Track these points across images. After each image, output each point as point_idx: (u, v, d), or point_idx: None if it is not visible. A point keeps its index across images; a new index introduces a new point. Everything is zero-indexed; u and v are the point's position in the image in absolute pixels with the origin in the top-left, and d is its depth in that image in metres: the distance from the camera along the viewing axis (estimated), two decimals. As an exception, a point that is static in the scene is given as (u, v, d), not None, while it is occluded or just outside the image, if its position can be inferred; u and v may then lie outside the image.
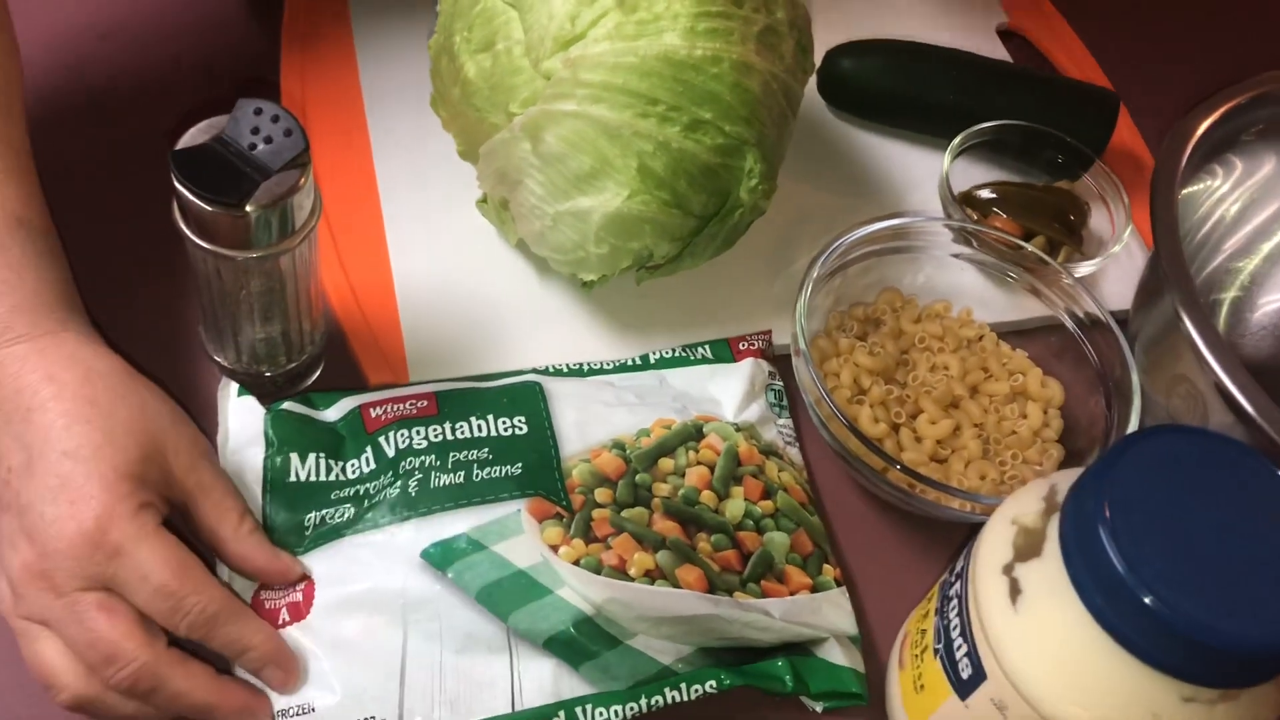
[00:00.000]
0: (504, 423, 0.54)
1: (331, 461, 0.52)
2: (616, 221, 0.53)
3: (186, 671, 0.45)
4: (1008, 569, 0.42)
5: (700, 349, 0.60)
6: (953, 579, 0.46)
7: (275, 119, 0.48)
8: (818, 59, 0.70)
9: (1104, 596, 0.39)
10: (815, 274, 0.58)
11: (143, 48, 0.69)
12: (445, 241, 0.62)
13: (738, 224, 0.56)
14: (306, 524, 0.50)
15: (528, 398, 0.55)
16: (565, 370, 0.58)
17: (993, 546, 0.44)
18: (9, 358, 0.46)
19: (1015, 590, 0.42)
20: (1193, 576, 0.38)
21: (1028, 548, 0.42)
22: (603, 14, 0.51)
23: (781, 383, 0.60)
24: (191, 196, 0.46)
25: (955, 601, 0.45)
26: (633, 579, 0.50)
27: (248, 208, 0.47)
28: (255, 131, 0.48)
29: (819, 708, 0.51)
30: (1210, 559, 0.38)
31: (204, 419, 0.54)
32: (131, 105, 0.66)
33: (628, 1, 0.51)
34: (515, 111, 0.54)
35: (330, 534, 0.50)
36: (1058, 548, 0.41)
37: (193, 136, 0.48)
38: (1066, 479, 0.44)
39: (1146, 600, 0.37)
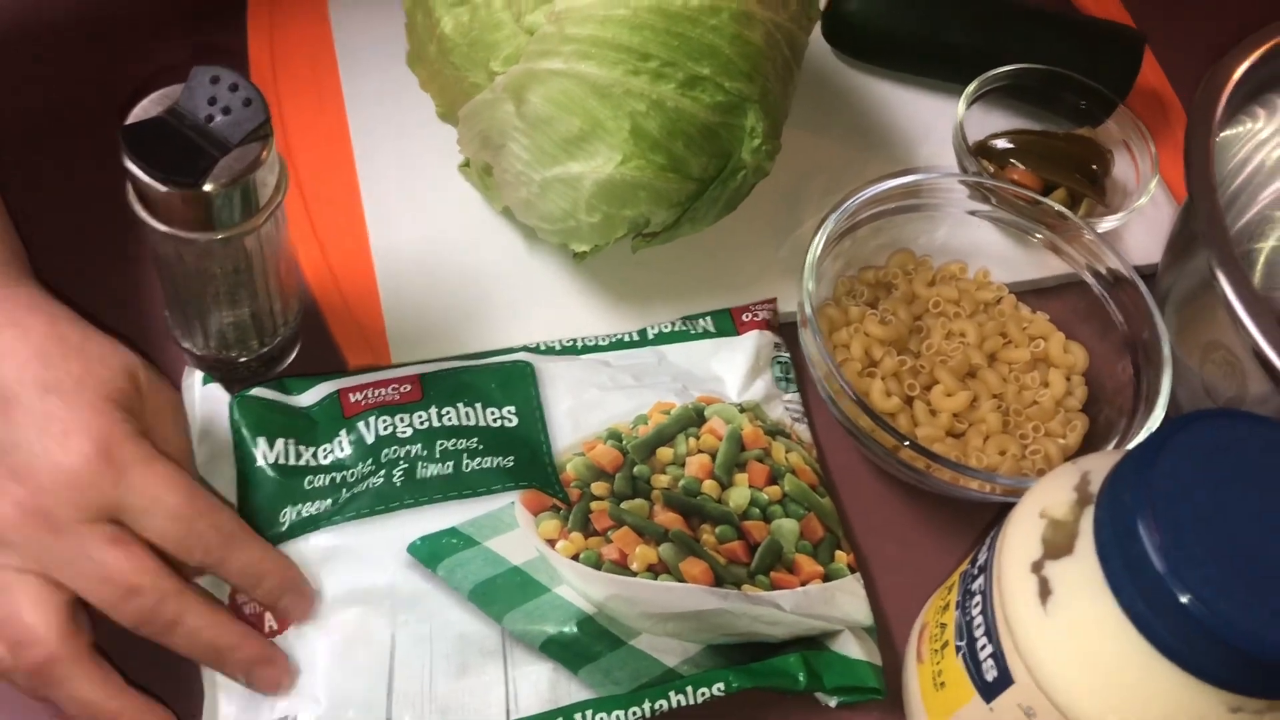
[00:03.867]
0: (493, 413, 0.50)
1: (302, 447, 0.49)
2: (609, 188, 0.50)
3: (209, 605, 0.43)
4: (1036, 566, 0.39)
5: (701, 321, 0.56)
6: (975, 571, 0.43)
7: (234, 88, 0.44)
8: (823, 1, 0.66)
9: (1143, 599, 0.36)
10: (822, 238, 0.54)
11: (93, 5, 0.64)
12: (427, 210, 0.58)
13: (740, 187, 0.52)
14: (282, 519, 0.47)
15: (518, 382, 0.52)
16: (558, 348, 0.55)
17: (1020, 541, 0.40)
18: None
19: (1045, 590, 0.39)
20: (1241, 578, 0.35)
21: (1059, 543, 0.39)
22: None
23: (789, 354, 0.56)
24: (144, 176, 0.42)
25: (979, 598, 0.42)
26: (635, 574, 0.47)
27: (206, 186, 0.43)
28: (212, 102, 0.44)
29: (833, 703, 0.48)
30: (1261, 559, 0.35)
31: (174, 408, 0.51)
32: (81, 69, 0.62)
33: None
34: (497, 70, 0.50)
35: (307, 526, 0.47)
36: (1092, 544, 0.38)
37: (145, 109, 0.44)
38: (1100, 465, 0.40)
39: (1189, 604, 0.34)
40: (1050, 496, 0.41)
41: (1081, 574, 0.38)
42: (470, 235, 0.58)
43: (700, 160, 0.50)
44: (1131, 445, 0.50)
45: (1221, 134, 0.57)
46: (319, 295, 0.55)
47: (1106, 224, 0.60)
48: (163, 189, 0.43)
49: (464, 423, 0.50)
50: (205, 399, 0.50)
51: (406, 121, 0.60)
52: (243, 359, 0.52)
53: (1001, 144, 0.63)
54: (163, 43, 0.63)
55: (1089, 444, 0.54)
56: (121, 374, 0.43)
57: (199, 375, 0.51)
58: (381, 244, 0.57)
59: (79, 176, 0.58)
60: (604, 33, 0.47)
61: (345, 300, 0.55)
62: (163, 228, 0.44)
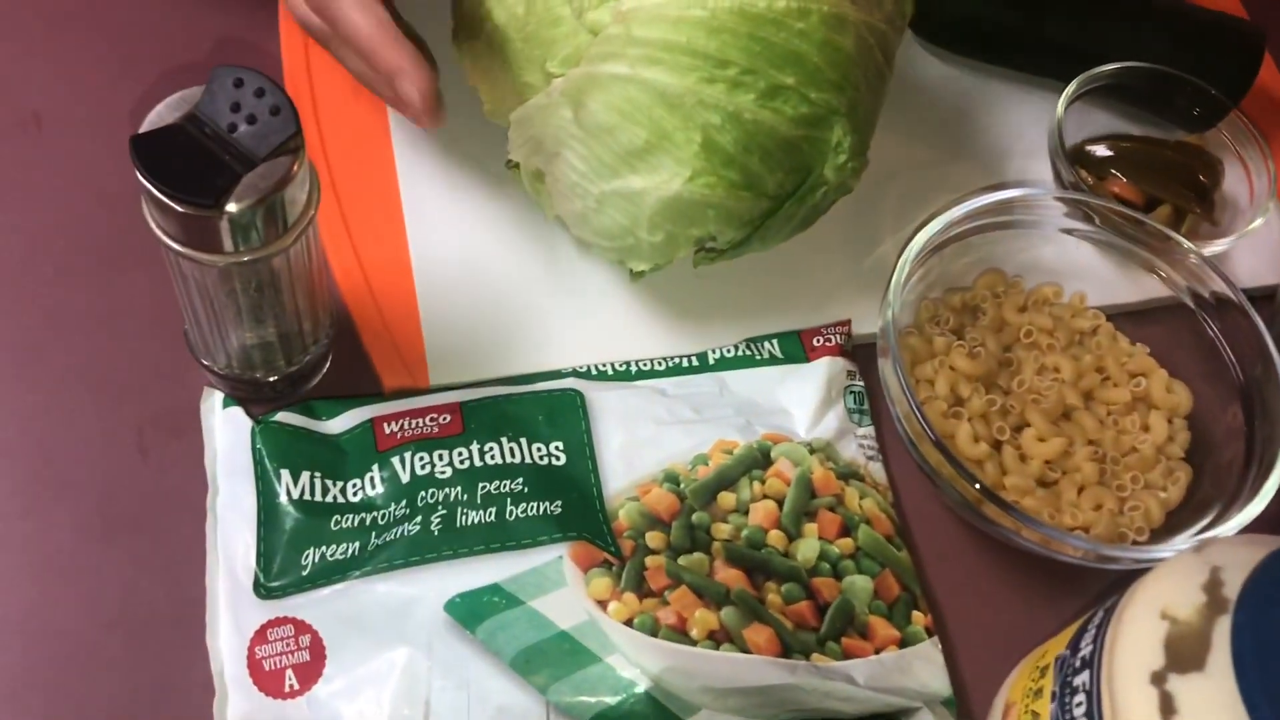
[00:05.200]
0: (539, 450, 0.46)
1: (329, 481, 0.45)
2: (675, 206, 0.44)
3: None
4: (1158, 678, 0.35)
5: (767, 345, 0.51)
6: (1077, 663, 0.39)
7: (260, 93, 0.39)
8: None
9: (1290, 732, 0.31)
10: (908, 260, 0.49)
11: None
12: (472, 215, 0.53)
13: (819, 204, 0.47)
14: (305, 561, 0.43)
15: (567, 414, 0.47)
16: (610, 372, 0.50)
17: (1136, 643, 0.36)
18: None
19: (1169, 708, 0.34)
20: None
21: (1185, 653, 0.34)
22: None
23: (862, 383, 0.51)
24: (158, 193, 0.38)
25: (1082, 697, 0.38)
26: (695, 642, 0.42)
27: (229, 207, 0.38)
28: (236, 109, 0.39)
29: (906, 782, 0.44)
30: None
31: (192, 432, 0.47)
32: (96, 56, 0.57)
33: None
34: (554, 71, 0.44)
35: (332, 572, 0.43)
36: (1229, 660, 0.33)
37: (160, 114, 0.39)
38: (1233, 560, 0.36)
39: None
40: (1174, 594, 0.36)
41: (1215, 694, 0.33)
42: (518, 244, 0.53)
43: (777, 176, 0.45)
44: (1250, 513, 0.46)
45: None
46: (353, 307, 0.51)
47: (1215, 247, 0.54)
48: (178, 209, 0.38)
49: (508, 460, 0.46)
50: (226, 423, 0.46)
51: (452, 117, 0.53)
52: (268, 379, 0.48)
53: (1100, 151, 0.57)
54: (188, 31, 0.57)
55: (1191, 498, 0.49)
56: None
57: (219, 397, 0.47)
58: (422, 251, 0.52)
59: (89, 174, 0.53)
60: (677, 36, 0.41)
61: (381, 313, 0.50)
62: (179, 247, 0.40)
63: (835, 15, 0.42)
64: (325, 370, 0.50)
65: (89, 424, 0.48)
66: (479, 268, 0.52)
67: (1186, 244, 0.52)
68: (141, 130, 0.38)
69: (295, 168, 0.39)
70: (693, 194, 0.44)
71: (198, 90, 0.39)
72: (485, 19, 0.46)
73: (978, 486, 0.44)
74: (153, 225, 0.40)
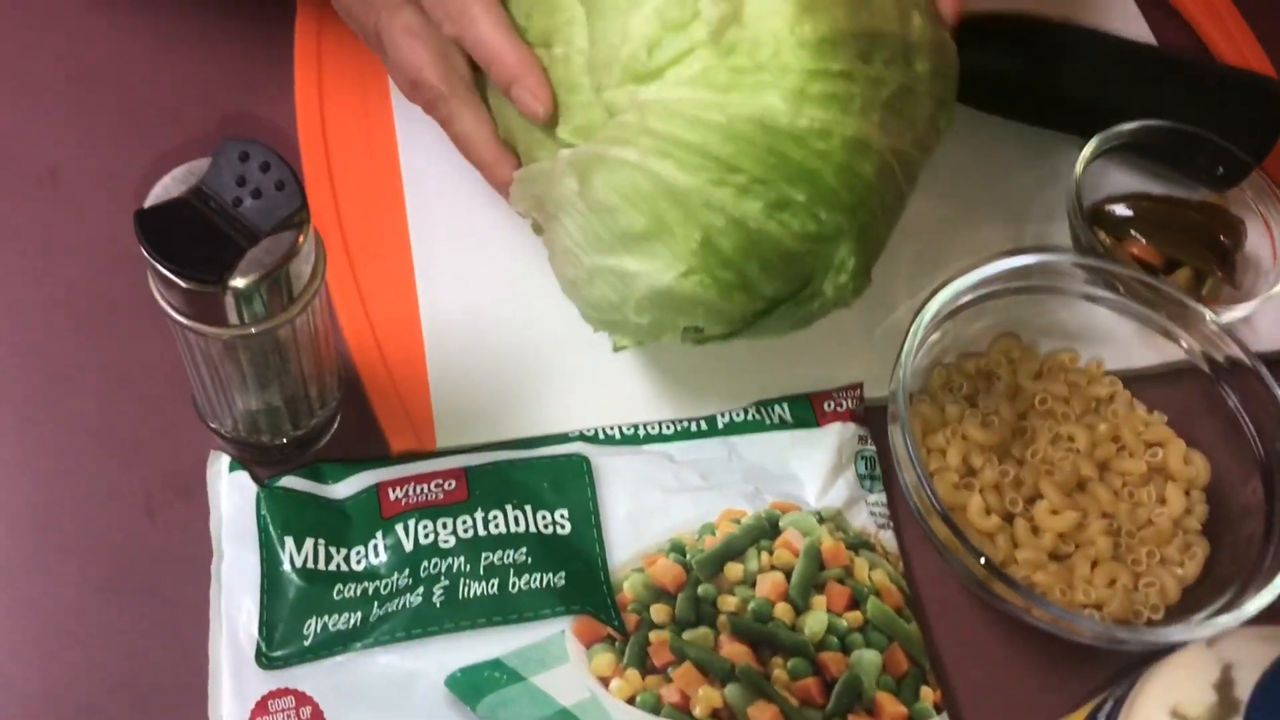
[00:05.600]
0: (544, 518, 0.46)
1: (333, 549, 0.45)
2: (665, 296, 0.43)
3: (476, 116, 0.48)
4: (1169, 780, 0.34)
5: (777, 409, 0.51)
6: (1087, 755, 0.38)
7: (265, 166, 0.39)
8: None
9: None
10: (920, 328, 0.48)
11: (120, 59, 0.58)
12: (482, 274, 0.53)
13: (814, 312, 0.46)
14: (307, 631, 0.43)
15: (572, 479, 0.47)
16: (618, 437, 0.49)
17: (1148, 743, 0.35)
18: None
19: (1179, 812, 0.33)
20: None
21: (1197, 755, 0.34)
22: (689, 50, 0.40)
23: (874, 448, 0.51)
24: (162, 269, 0.38)
25: (1092, 792, 0.37)
26: (697, 720, 0.42)
27: (234, 282, 0.38)
28: (241, 182, 0.39)
29: None
30: None
31: (201, 494, 0.47)
32: (108, 124, 0.57)
33: (725, 38, 0.40)
34: (565, 139, 0.44)
35: (334, 643, 0.43)
36: (1240, 768, 0.32)
37: (166, 187, 0.39)
38: (1245, 657, 0.35)
39: None
40: (1184, 692, 0.35)
41: (1226, 803, 0.32)
42: (528, 305, 0.52)
43: (775, 283, 0.43)
44: (1269, 595, 0.45)
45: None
46: (362, 368, 0.50)
47: (1235, 313, 0.53)
48: (183, 285, 0.38)
49: (512, 529, 0.45)
50: (232, 488, 0.46)
51: (466, 181, 0.53)
52: (276, 442, 0.47)
53: (1120, 210, 0.57)
54: (206, 91, 0.57)
55: (1209, 574, 0.48)
56: None
57: (225, 461, 0.47)
58: (432, 313, 0.51)
59: (104, 231, 0.53)
60: (691, 135, 0.40)
61: (390, 374, 0.50)
62: (184, 320, 0.40)
63: (859, 140, 0.41)
64: (333, 431, 0.50)
65: (97, 484, 0.48)
66: (489, 328, 0.52)
67: (1206, 312, 0.52)
68: (147, 204, 0.39)
69: (300, 241, 0.39)
70: (684, 289, 0.43)
71: (204, 162, 0.39)
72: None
73: (984, 562, 0.44)
74: (158, 297, 0.40)
